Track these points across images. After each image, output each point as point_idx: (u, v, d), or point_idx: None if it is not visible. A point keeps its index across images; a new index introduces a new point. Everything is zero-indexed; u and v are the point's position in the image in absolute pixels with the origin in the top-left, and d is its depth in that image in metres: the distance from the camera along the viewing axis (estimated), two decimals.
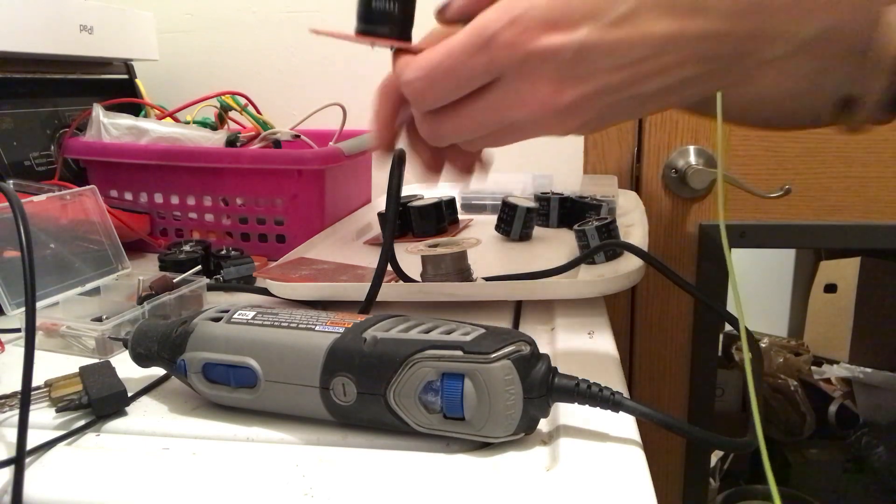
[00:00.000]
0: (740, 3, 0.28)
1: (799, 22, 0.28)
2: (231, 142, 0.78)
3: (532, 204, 0.76)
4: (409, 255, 0.57)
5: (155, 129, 0.78)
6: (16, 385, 0.36)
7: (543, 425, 0.37)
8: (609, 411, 0.34)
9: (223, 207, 0.76)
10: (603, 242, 0.62)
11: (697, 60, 0.30)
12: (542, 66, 0.31)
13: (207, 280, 0.58)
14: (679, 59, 0.30)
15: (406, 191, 0.95)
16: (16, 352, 0.49)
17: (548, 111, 0.32)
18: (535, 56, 0.31)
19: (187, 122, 0.85)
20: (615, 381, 0.42)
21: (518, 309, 0.57)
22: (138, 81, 0.94)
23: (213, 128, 0.85)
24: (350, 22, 0.41)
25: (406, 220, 0.78)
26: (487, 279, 0.58)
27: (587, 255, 0.62)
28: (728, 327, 1.74)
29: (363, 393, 0.34)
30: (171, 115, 0.86)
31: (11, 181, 0.70)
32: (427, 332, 0.35)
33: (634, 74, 0.30)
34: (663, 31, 0.29)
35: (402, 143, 0.42)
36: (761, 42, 0.29)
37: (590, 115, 0.33)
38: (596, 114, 0.33)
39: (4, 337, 0.51)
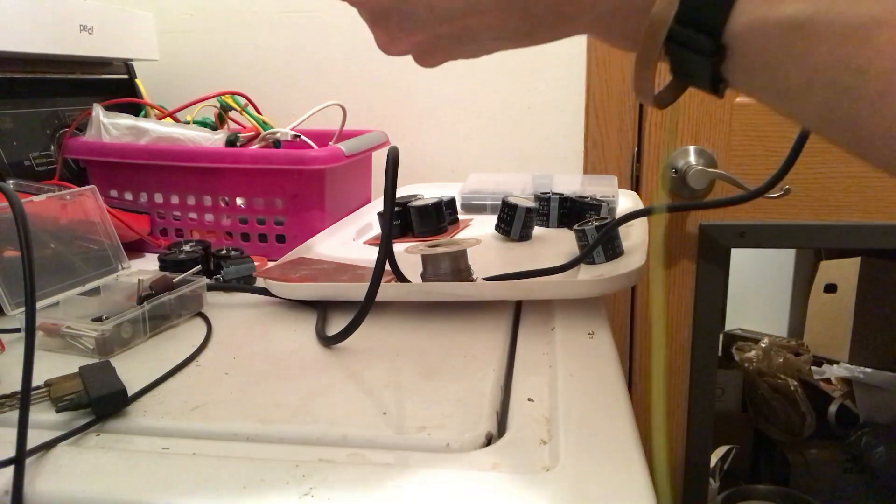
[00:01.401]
0: None
1: (593, 1, 0.31)
2: (231, 142, 0.78)
3: (532, 204, 0.76)
4: (410, 255, 0.57)
5: (155, 129, 0.78)
6: (16, 385, 0.36)
7: (543, 425, 0.37)
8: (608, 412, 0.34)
9: (223, 207, 0.76)
10: (601, 234, 0.62)
11: (521, 16, 0.33)
12: (375, 17, 0.37)
13: (207, 280, 0.58)
14: (500, 16, 0.33)
15: (406, 191, 0.95)
16: (16, 352, 0.49)
17: (397, 52, 0.38)
18: (367, 9, 0.37)
19: (187, 122, 0.85)
20: (615, 381, 0.42)
21: (518, 309, 0.57)
22: (138, 81, 0.94)
23: (213, 128, 0.85)
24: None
25: (406, 220, 0.78)
26: (487, 279, 0.58)
27: (588, 252, 0.62)
28: (728, 327, 1.74)
29: None
30: (171, 115, 0.86)
31: (11, 181, 0.70)
32: None
33: (463, 26, 0.34)
34: None
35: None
36: (571, 10, 0.32)
37: (442, 54, 0.38)
38: (447, 53, 0.38)
39: (4, 337, 0.51)
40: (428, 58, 0.38)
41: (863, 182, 0.99)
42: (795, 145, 0.36)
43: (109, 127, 0.77)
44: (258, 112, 0.89)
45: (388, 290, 0.53)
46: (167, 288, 0.54)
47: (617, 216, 0.65)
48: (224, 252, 0.66)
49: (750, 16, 0.27)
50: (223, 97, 0.86)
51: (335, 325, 0.53)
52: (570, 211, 0.81)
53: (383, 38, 0.38)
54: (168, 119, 0.86)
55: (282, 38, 1.09)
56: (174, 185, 0.75)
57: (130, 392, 0.41)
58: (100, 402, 0.39)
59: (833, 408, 1.46)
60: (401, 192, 0.95)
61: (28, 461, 0.34)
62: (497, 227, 0.77)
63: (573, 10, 0.32)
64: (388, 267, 0.51)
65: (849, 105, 0.26)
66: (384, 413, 0.39)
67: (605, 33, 0.33)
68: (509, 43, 0.36)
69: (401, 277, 0.57)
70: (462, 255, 0.57)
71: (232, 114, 0.88)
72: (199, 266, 0.61)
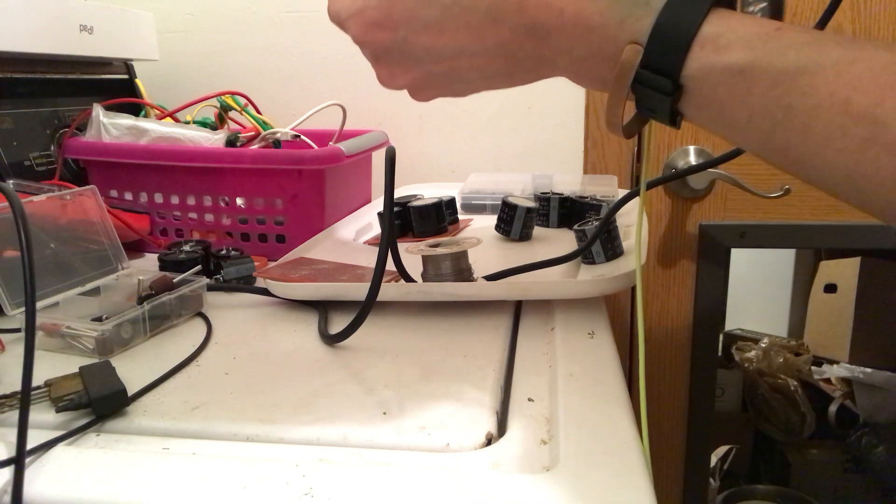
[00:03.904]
0: (527, 24, 0.36)
1: (571, 45, 0.36)
2: (231, 142, 0.78)
3: (532, 204, 0.76)
4: (410, 255, 0.57)
5: (155, 129, 0.78)
6: (16, 385, 0.36)
7: (543, 425, 0.37)
8: (608, 412, 0.34)
9: (223, 207, 0.76)
10: (600, 224, 0.62)
11: (504, 59, 0.38)
12: (377, 54, 0.41)
13: (207, 280, 0.58)
14: (487, 59, 0.38)
15: (406, 191, 0.95)
16: (16, 352, 0.49)
17: (395, 87, 0.43)
18: (369, 45, 0.41)
19: (187, 122, 0.85)
20: (615, 381, 0.42)
21: (518, 309, 0.57)
22: (138, 81, 0.94)
23: (213, 128, 0.85)
24: None
25: (406, 220, 0.78)
26: (487, 277, 0.58)
27: (588, 245, 0.62)
28: (728, 327, 1.74)
29: None
30: (171, 115, 0.86)
31: (11, 181, 0.70)
32: None
33: (454, 66, 0.39)
34: (465, 38, 0.38)
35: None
36: (549, 54, 0.37)
37: (435, 90, 0.42)
38: (439, 90, 0.42)
39: (4, 337, 0.51)
40: (422, 92, 0.43)
41: None
42: None
43: (109, 127, 0.77)
44: (258, 112, 0.89)
45: (389, 290, 0.53)
46: (167, 288, 0.54)
47: (617, 216, 0.65)
48: (224, 252, 0.66)
49: (701, 62, 0.32)
50: (223, 97, 0.86)
51: (335, 325, 0.53)
52: (570, 211, 0.81)
53: (384, 74, 0.42)
54: (168, 119, 0.86)
55: (282, 38, 1.09)
56: (174, 185, 0.75)
57: (130, 392, 0.41)
58: (100, 402, 0.39)
59: (833, 408, 1.46)
60: (401, 192, 0.95)
61: (28, 461, 0.34)
62: (497, 227, 0.77)
63: (551, 54, 0.37)
64: (389, 266, 0.51)
65: (782, 134, 0.31)
66: (384, 413, 0.39)
67: (578, 76, 0.38)
68: (493, 82, 0.40)
69: (406, 277, 0.57)
70: (463, 255, 0.57)
71: (232, 114, 0.88)
72: (199, 266, 0.61)
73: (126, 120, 0.78)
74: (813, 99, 0.30)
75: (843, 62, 0.29)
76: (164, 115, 0.86)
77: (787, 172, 0.33)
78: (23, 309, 0.47)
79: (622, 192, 0.88)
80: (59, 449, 0.36)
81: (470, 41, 0.38)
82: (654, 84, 0.34)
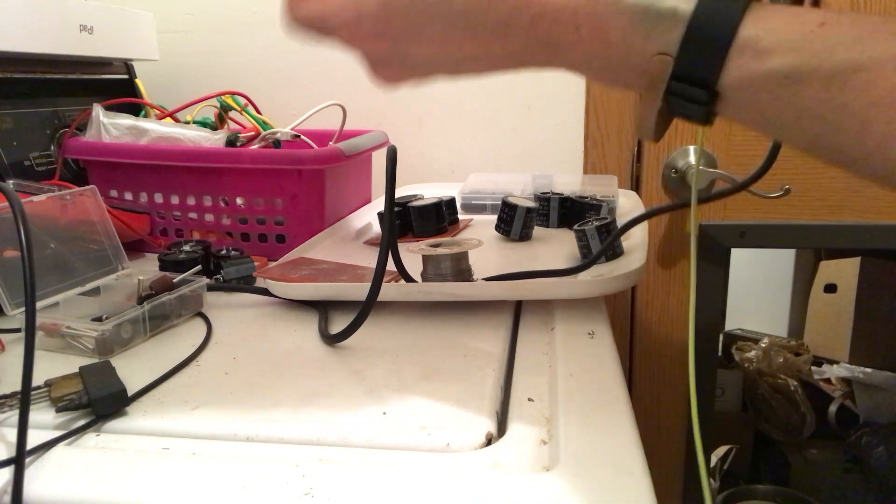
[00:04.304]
0: (539, 39, 0.34)
1: (588, 59, 0.34)
2: (231, 142, 0.78)
3: (532, 204, 0.76)
4: (409, 255, 0.57)
5: (155, 129, 0.78)
6: (16, 385, 0.36)
7: (543, 425, 0.37)
8: (608, 412, 0.34)
9: (223, 207, 0.76)
10: (605, 244, 0.62)
11: (513, 64, 0.37)
12: (374, 60, 0.40)
13: (207, 280, 0.58)
14: (496, 63, 0.37)
15: (406, 191, 0.95)
16: (16, 352, 0.49)
17: (393, 88, 0.42)
18: (369, 54, 0.39)
19: (187, 122, 0.85)
20: (615, 381, 0.42)
21: (518, 309, 0.57)
22: (138, 81, 0.94)
23: (213, 128, 0.85)
24: None
25: (406, 220, 0.78)
26: (488, 279, 0.58)
27: (593, 260, 0.62)
28: (728, 327, 1.74)
29: None
30: (171, 115, 0.86)
31: (11, 181, 0.70)
32: None
33: (458, 69, 0.38)
34: (472, 49, 0.36)
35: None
36: (563, 64, 0.36)
37: (439, 78, 0.40)
38: (445, 77, 0.40)
39: (4, 337, 0.51)
40: (423, 84, 0.41)
41: (863, 182, 0.99)
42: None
43: (109, 127, 0.77)
44: (258, 112, 0.89)
45: (389, 290, 0.53)
46: (167, 288, 0.54)
47: (617, 216, 0.65)
48: (224, 252, 0.66)
49: (741, 70, 0.31)
50: (223, 97, 0.86)
51: (335, 325, 0.53)
52: (570, 211, 0.81)
53: (380, 77, 0.41)
54: (168, 119, 0.86)
55: (282, 38, 1.09)
56: (174, 185, 0.76)
57: (130, 392, 0.41)
58: (100, 402, 0.39)
59: (833, 408, 1.46)
60: (401, 192, 0.95)
61: (28, 461, 0.34)
62: (497, 227, 0.77)
63: (564, 65, 0.36)
64: (389, 266, 0.51)
65: (834, 135, 0.30)
66: (384, 413, 0.39)
67: (596, 79, 0.37)
68: (499, 73, 0.39)
69: (407, 277, 0.57)
70: (464, 255, 0.57)
71: (232, 114, 0.88)
72: (199, 266, 0.61)
73: (126, 120, 0.78)
74: (871, 96, 0.28)
75: None
76: (164, 115, 0.86)
77: (838, 168, 0.32)
78: (23, 309, 0.47)
79: (622, 192, 0.89)
80: (59, 449, 0.36)
81: (476, 51, 0.36)
82: (687, 94, 0.32)
